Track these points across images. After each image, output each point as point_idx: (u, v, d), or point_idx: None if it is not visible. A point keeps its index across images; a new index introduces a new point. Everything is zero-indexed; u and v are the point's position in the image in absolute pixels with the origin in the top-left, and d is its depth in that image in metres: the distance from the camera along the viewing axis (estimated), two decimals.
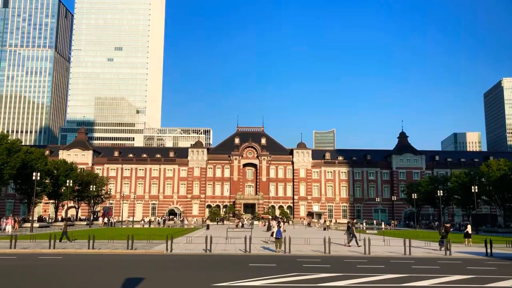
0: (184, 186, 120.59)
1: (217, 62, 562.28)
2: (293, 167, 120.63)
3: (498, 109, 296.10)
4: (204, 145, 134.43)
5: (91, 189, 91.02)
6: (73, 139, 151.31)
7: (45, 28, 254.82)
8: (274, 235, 30.08)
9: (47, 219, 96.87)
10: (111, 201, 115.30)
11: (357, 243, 34.61)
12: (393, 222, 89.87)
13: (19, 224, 65.02)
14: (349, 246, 34.86)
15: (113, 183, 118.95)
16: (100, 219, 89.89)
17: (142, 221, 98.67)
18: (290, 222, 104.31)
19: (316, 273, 18.94)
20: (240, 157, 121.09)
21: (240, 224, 73.98)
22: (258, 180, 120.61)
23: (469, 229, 37.41)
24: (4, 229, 53.51)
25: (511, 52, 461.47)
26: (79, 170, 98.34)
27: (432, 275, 19.08)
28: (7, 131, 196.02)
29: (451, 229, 37.92)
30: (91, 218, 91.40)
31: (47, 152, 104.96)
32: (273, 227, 38.20)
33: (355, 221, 40.65)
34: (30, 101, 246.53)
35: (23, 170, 72.23)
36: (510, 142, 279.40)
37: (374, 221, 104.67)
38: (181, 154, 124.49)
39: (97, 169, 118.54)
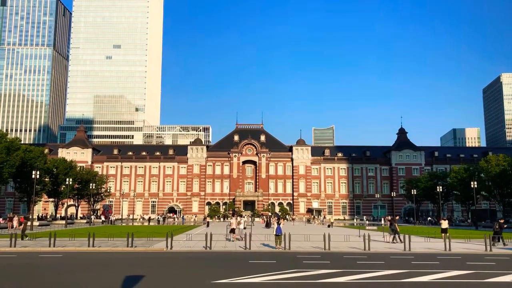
0: (184, 183, 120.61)
1: (216, 59, 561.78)
2: (292, 164, 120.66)
3: (497, 104, 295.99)
4: (203, 143, 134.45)
5: (90, 187, 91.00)
6: (72, 137, 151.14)
7: (43, 27, 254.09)
8: (274, 232, 30.08)
9: (47, 217, 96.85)
10: (110, 199, 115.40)
11: (400, 240, 33.81)
12: (386, 218, 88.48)
13: (18, 223, 65.12)
14: (394, 243, 34.02)
15: (113, 181, 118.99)
16: (93, 217, 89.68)
17: (141, 219, 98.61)
18: (290, 218, 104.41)
19: (316, 270, 18.96)
20: (240, 154, 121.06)
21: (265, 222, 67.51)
22: (257, 177, 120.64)
23: (444, 224, 37.67)
24: (12, 226, 54.82)
25: (510, 48, 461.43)
26: (78, 168, 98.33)
27: (432, 270, 19.11)
28: (6, 130, 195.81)
29: (505, 226, 37.92)
30: (91, 216, 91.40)
31: (46, 151, 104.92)
32: (232, 224, 36.99)
33: (397, 218, 40.18)
34: (29, 99, 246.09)
35: (22, 169, 72.24)
36: (509, 137, 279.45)
37: (364, 217, 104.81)
38: (180, 151, 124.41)
39: (97, 167, 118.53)
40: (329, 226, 70.25)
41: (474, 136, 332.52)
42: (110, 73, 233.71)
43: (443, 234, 35.20)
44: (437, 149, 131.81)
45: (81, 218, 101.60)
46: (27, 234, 36.42)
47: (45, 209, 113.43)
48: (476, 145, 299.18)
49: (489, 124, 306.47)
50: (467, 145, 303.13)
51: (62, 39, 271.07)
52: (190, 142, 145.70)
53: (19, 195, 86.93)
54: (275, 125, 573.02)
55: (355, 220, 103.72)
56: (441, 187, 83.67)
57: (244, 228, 34.69)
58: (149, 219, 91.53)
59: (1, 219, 68.18)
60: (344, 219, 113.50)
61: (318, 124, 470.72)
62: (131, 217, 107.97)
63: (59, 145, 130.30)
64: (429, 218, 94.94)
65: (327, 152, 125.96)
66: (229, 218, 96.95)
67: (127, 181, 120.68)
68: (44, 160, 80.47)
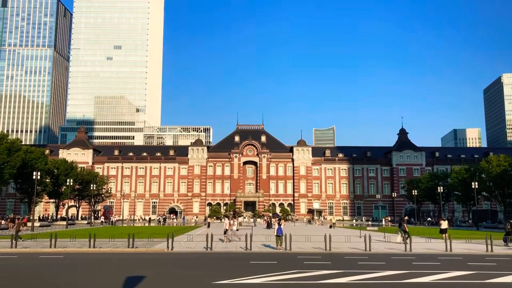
0: (185, 184, 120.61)
1: (216, 60, 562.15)
2: (293, 164, 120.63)
3: (498, 105, 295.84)
4: (204, 143, 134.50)
5: (91, 188, 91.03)
6: (73, 138, 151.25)
7: (44, 27, 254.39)
8: (275, 233, 30.07)
9: (49, 218, 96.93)
10: (111, 200, 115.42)
11: (405, 240, 33.91)
12: (386, 218, 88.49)
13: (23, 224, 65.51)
14: (406, 243, 34.09)
15: (114, 182, 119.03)
16: (92, 218, 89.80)
17: (140, 219, 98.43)
18: (290, 219, 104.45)
19: (317, 270, 18.95)
20: (240, 155, 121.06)
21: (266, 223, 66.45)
22: (258, 178, 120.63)
23: (444, 225, 37.69)
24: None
25: (511, 48, 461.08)
26: (79, 169, 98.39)
27: (433, 271, 19.09)
28: (7, 131, 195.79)
29: None
30: (92, 217, 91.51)
31: (47, 152, 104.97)
32: (226, 224, 36.92)
33: (406, 218, 40.15)
34: (29, 100, 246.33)
35: (23, 170, 72.32)
36: (510, 138, 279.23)
37: (364, 218, 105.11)
38: (181, 152, 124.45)
39: (97, 168, 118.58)
40: (331, 227, 70.05)
41: (475, 137, 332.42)
42: (110, 74, 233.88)
43: (443, 235, 35.19)
44: (438, 150, 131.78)
45: (82, 219, 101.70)
46: (20, 236, 36.09)
47: (46, 210, 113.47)
48: (477, 146, 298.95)
49: (490, 125, 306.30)
50: (468, 146, 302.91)
51: (63, 40, 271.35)
52: (191, 143, 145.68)
53: (20, 196, 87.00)
54: (276, 125, 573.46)
55: (354, 220, 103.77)
56: (442, 188, 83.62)
57: (237, 229, 34.25)
58: (150, 220, 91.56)
59: (3, 220, 68.18)
60: (343, 220, 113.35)
61: (318, 125, 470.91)
62: (131, 218, 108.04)
63: (60, 146, 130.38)
64: (428, 219, 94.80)
65: (327, 152, 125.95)
66: (223, 219, 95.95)
67: (128, 182, 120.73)
68: (45, 161, 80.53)
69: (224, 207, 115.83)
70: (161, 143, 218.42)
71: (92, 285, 15.75)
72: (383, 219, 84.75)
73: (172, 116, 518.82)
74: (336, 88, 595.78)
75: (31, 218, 59.97)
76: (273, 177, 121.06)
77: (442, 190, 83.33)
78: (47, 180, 80.00)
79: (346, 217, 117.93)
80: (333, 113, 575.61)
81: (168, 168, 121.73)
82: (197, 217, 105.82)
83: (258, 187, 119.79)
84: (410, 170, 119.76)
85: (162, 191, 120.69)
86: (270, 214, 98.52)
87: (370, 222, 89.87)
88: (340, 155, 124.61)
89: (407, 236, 34.17)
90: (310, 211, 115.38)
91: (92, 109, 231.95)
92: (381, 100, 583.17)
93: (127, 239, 30.27)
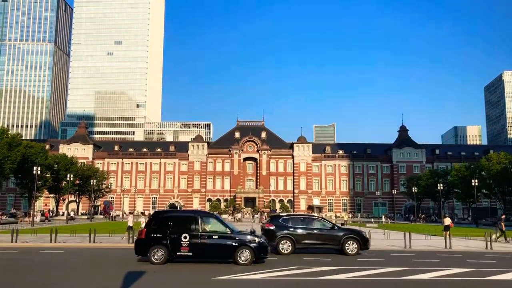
0: (185, 180, 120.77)
1: (217, 56, 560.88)
2: (293, 161, 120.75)
3: (498, 102, 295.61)
4: (204, 139, 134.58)
5: (91, 183, 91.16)
6: (73, 133, 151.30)
7: (44, 22, 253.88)
8: None
9: (53, 213, 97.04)
10: (111, 195, 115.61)
11: (506, 239, 34.37)
12: (383, 215, 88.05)
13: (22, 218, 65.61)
14: (508, 242, 34.23)
15: (114, 177, 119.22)
16: (82, 212, 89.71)
17: (125, 215, 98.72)
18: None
19: (317, 266, 18.98)
20: (241, 151, 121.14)
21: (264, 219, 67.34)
22: (258, 174, 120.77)
23: (447, 221, 37.76)
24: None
25: None
26: (79, 165, 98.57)
27: (433, 268, 19.13)
28: (7, 126, 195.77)
29: None
30: (92, 213, 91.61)
31: (47, 147, 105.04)
32: (129, 221, 36.27)
33: (503, 217, 40.00)
34: (30, 95, 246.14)
35: (23, 165, 72.42)
36: (510, 135, 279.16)
37: (358, 215, 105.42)
38: (181, 148, 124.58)
39: (98, 163, 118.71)
40: (342, 225, 67.50)
41: (476, 134, 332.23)
42: (111, 69, 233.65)
43: (443, 232, 35.18)
44: (438, 147, 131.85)
45: (82, 214, 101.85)
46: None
47: (46, 205, 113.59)
48: (477, 143, 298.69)
49: (491, 122, 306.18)
50: (468, 143, 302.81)
51: (64, 35, 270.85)
52: (191, 138, 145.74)
53: (20, 190, 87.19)
54: (276, 122, 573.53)
55: (356, 217, 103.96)
56: (442, 185, 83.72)
57: None
58: (149, 215, 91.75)
59: (5, 216, 68.36)
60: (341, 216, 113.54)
61: (319, 121, 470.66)
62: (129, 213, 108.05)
63: (60, 141, 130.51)
64: (423, 216, 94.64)
65: (328, 149, 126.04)
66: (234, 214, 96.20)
67: (128, 178, 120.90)
68: (45, 156, 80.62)
69: (224, 203, 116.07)
70: (161, 138, 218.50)
71: (93, 279, 15.79)
72: (383, 216, 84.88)
73: (172, 112, 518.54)
74: (337, 85, 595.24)
75: (31, 213, 60.13)
76: (273, 173, 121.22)
77: (442, 188, 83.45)
78: (47, 175, 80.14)
79: (345, 214, 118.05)
80: (334, 110, 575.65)
81: (168, 163, 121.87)
82: None
83: (258, 183, 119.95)
84: (410, 167, 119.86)
85: (162, 186, 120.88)
86: (269, 210, 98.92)
87: (376, 220, 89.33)
88: (340, 151, 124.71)
89: (499, 235, 34.36)
90: (310, 208, 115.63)
91: (92, 104, 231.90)
92: (382, 97, 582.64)
93: (127, 235, 30.29)
